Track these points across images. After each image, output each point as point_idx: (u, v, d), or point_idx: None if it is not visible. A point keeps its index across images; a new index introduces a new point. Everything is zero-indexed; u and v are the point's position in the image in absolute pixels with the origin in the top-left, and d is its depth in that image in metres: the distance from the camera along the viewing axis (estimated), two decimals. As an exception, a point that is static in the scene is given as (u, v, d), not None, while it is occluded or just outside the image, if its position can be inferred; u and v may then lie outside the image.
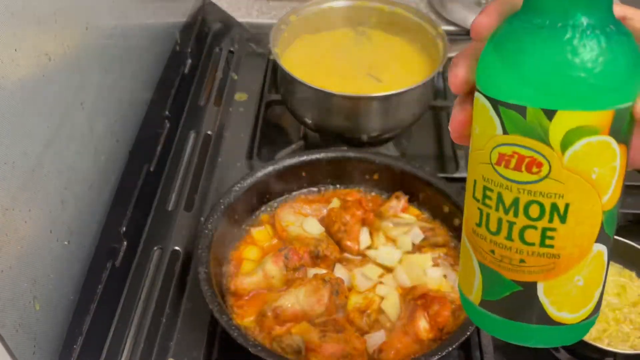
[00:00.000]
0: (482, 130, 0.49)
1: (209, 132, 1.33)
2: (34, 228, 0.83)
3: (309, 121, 1.28)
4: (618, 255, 1.03)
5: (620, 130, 0.45)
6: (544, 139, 0.45)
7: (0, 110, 0.75)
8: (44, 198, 0.86)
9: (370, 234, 1.06)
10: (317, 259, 1.02)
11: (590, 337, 0.92)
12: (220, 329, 0.99)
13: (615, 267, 1.02)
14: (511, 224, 0.47)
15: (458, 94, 0.53)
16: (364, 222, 1.07)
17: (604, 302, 0.95)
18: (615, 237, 1.01)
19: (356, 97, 1.22)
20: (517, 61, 0.45)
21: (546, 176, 0.45)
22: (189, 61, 1.43)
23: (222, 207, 1.03)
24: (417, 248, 1.05)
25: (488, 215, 0.49)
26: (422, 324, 0.92)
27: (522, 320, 0.49)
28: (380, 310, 0.96)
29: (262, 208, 1.11)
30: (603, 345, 0.91)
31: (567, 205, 0.46)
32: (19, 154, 0.79)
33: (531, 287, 0.48)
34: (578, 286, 0.48)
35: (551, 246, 0.47)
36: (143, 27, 1.25)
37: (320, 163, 1.13)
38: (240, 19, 1.64)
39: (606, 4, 0.44)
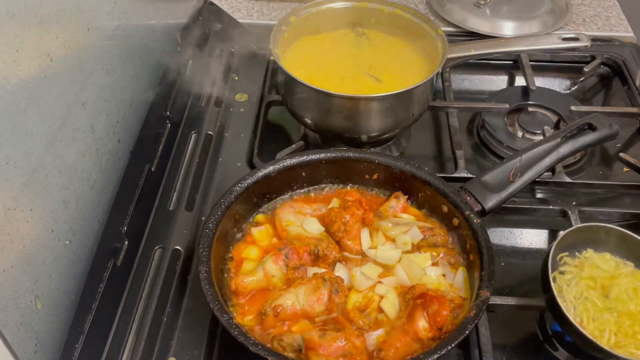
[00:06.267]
0: None
1: (210, 132, 1.34)
2: (35, 227, 0.84)
3: (309, 121, 1.28)
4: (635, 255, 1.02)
5: None
6: None
7: (2, 111, 0.76)
8: (45, 198, 0.86)
9: (370, 233, 1.07)
10: (317, 258, 1.02)
11: (609, 344, 0.92)
12: (221, 328, 0.99)
13: (628, 267, 1.01)
14: None
15: None
16: (363, 222, 1.07)
17: (617, 306, 0.95)
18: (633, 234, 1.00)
19: (356, 97, 1.22)
20: None
21: None
22: (190, 62, 1.44)
23: (223, 206, 1.03)
24: (416, 247, 1.05)
25: None
26: (422, 323, 0.93)
27: None
28: (380, 309, 0.97)
29: (263, 208, 1.12)
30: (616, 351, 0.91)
31: None
32: (20, 154, 0.80)
33: None
34: None
35: None
36: (144, 28, 1.26)
37: (320, 163, 1.13)
38: (240, 20, 1.64)
39: None
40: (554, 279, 0.99)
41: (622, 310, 0.95)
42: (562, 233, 1.02)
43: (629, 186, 1.26)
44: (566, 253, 1.02)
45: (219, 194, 1.09)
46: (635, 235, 1.02)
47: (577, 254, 1.03)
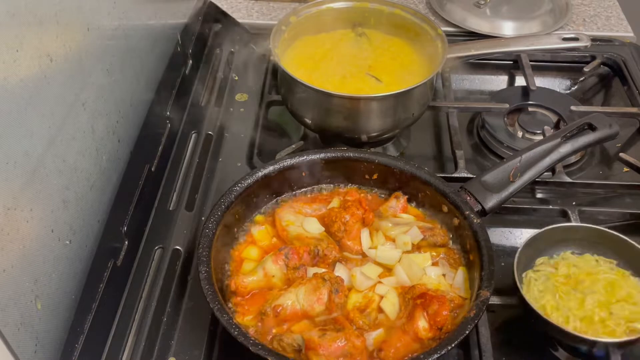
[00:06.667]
0: None
1: (210, 133, 1.34)
2: (35, 227, 0.84)
3: (309, 121, 1.28)
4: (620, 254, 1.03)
5: None
6: None
7: (2, 110, 0.76)
8: (45, 198, 0.86)
9: (370, 233, 1.07)
10: (317, 258, 1.02)
11: (575, 329, 0.93)
12: (221, 328, 0.99)
13: (608, 264, 1.02)
14: None
15: None
16: (363, 222, 1.07)
17: (586, 297, 0.95)
18: (617, 233, 1.01)
19: (356, 97, 1.22)
20: None
21: None
22: (190, 62, 1.44)
23: (223, 206, 1.03)
24: (416, 247, 1.05)
25: None
26: (422, 323, 0.93)
27: None
28: (380, 309, 0.97)
29: (263, 208, 1.12)
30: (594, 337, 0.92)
31: None
32: (20, 154, 0.80)
33: None
34: None
35: None
36: (144, 28, 1.26)
37: (320, 163, 1.13)
38: (240, 20, 1.64)
39: None
40: (527, 275, 1.01)
41: (592, 300, 0.96)
42: (528, 236, 1.03)
43: (629, 186, 1.26)
44: (546, 257, 1.04)
45: (219, 194, 1.09)
46: (615, 233, 1.03)
47: (554, 255, 1.05)
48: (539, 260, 1.04)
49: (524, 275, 1.01)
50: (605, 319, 0.94)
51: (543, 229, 1.04)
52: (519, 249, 1.01)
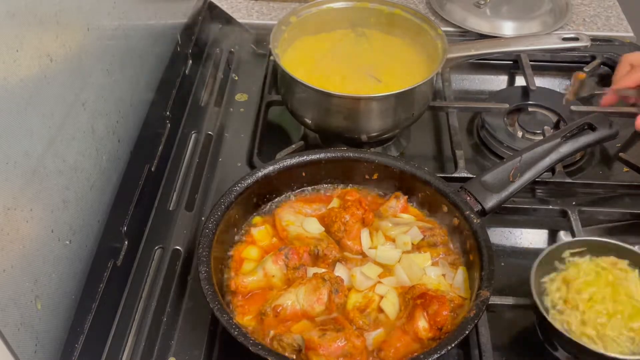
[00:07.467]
0: None
1: (210, 133, 1.34)
2: (35, 227, 0.84)
3: (309, 121, 1.28)
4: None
5: None
6: None
7: (2, 110, 0.76)
8: (45, 198, 0.86)
9: (370, 233, 1.07)
10: (317, 258, 1.02)
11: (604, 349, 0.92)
12: (221, 328, 0.99)
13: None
14: None
15: None
16: (363, 222, 1.07)
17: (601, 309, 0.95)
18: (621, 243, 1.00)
19: (356, 97, 1.22)
20: None
21: None
22: (190, 62, 1.44)
23: (223, 206, 1.03)
24: (416, 247, 1.05)
25: None
26: (422, 323, 0.93)
27: None
28: (380, 309, 0.97)
29: (263, 208, 1.12)
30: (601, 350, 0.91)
31: None
32: (20, 154, 0.80)
33: None
34: None
35: None
36: (144, 28, 1.26)
37: (320, 163, 1.13)
38: (240, 20, 1.64)
39: None
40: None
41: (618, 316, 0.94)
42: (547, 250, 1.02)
43: (629, 186, 1.26)
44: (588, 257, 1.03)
45: (219, 194, 1.09)
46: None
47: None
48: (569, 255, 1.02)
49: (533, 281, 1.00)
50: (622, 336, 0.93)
51: (569, 240, 1.04)
52: (536, 262, 0.99)
